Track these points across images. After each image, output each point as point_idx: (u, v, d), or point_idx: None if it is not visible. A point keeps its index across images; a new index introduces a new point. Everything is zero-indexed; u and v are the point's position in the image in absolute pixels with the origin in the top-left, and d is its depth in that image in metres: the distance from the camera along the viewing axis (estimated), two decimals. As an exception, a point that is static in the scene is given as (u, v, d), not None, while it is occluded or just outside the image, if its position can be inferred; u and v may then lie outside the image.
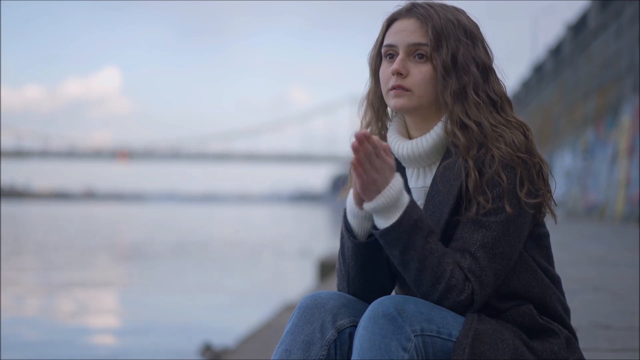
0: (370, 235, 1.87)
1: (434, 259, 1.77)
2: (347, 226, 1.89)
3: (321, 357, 1.80)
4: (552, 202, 1.92)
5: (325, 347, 1.82)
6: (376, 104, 2.02)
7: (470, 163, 1.84)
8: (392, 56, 1.93)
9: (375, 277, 1.92)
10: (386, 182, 1.77)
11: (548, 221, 1.96)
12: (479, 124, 1.87)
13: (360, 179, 1.77)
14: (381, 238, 1.80)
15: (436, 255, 1.78)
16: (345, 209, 1.90)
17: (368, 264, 1.90)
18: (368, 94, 2.04)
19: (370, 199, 1.78)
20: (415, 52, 1.90)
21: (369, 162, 1.75)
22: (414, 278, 1.81)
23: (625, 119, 19.51)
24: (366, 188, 1.77)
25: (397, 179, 1.78)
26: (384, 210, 1.78)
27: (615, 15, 21.63)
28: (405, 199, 1.79)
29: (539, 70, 35.04)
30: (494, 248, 1.81)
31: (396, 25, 1.94)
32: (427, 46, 1.89)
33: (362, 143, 1.74)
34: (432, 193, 1.91)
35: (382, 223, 1.79)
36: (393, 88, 1.91)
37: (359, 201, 1.82)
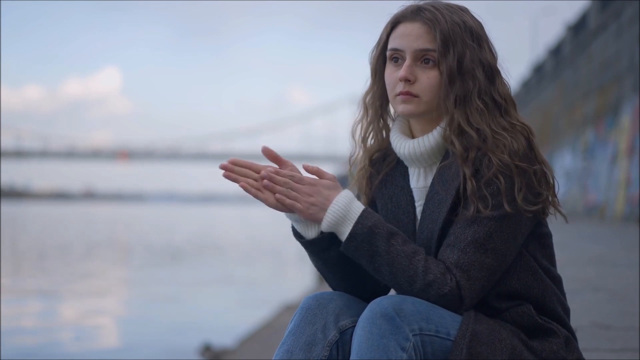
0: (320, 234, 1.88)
1: (402, 260, 1.78)
2: (293, 230, 1.91)
3: (323, 358, 1.81)
4: (558, 204, 1.91)
5: (327, 348, 1.82)
6: (376, 103, 2.02)
7: (467, 171, 1.84)
8: (397, 60, 1.92)
9: (348, 274, 1.93)
10: (327, 200, 1.81)
11: (551, 221, 1.95)
12: (479, 131, 1.86)
13: (293, 207, 1.81)
14: (344, 252, 1.83)
15: (404, 255, 1.78)
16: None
17: (329, 262, 1.91)
18: (367, 94, 2.03)
19: (319, 219, 1.82)
20: (422, 57, 1.89)
21: (292, 191, 1.81)
22: (390, 282, 1.82)
23: (625, 119, 19.51)
24: (307, 212, 1.81)
25: (343, 194, 1.82)
26: (336, 225, 1.81)
27: (615, 15, 21.63)
28: (357, 209, 1.82)
29: (539, 70, 35.04)
30: (485, 243, 1.80)
31: (401, 29, 1.92)
32: (434, 52, 1.87)
33: (272, 180, 1.81)
34: (432, 193, 1.91)
35: (341, 238, 1.82)
36: (400, 94, 1.90)
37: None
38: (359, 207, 1.82)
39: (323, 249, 1.89)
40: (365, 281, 1.94)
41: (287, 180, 1.82)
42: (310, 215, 1.82)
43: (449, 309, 1.80)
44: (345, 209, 1.81)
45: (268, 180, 1.81)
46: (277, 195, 1.81)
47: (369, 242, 1.79)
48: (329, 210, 1.80)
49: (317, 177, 1.84)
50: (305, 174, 1.86)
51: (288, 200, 1.81)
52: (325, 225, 1.81)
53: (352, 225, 1.80)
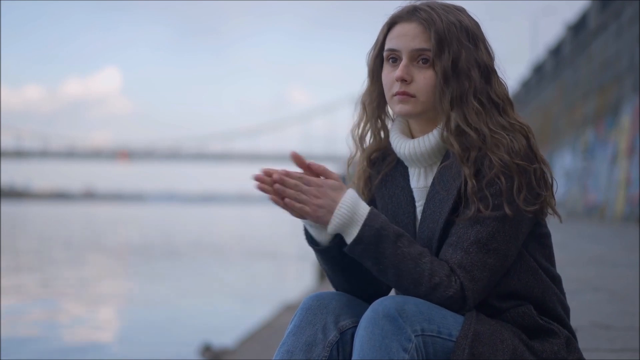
0: (333, 239, 1.87)
1: (409, 263, 1.77)
2: (306, 235, 1.90)
3: (323, 358, 1.81)
4: (554, 203, 1.91)
5: (328, 348, 1.82)
6: (373, 104, 2.02)
7: (466, 170, 1.84)
8: (394, 60, 1.92)
9: (354, 276, 1.93)
10: (334, 202, 1.78)
11: (549, 220, 1.96)
12: (477, 130, 1.86)
13: (302, 212, 1.78)
14: (350, 254, 1.81)
15: (410, 258, 1.78)
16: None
17: (339, 267, 1.91)
18: (364, 94, 2.03)
19: (326, 221, 1.79)
20: (419, 57, 1.89)
21: (302, 194, 1.77)
22: (394, 284, 1.82)
23: (625, 119, 19.52)
24: (316, 216, 1.78)
25: (348, 195, 1.79)
26: (343, 227, 1.79)
27: (615, 15, 21.63)
28: (363, 210, 1.79)
29: (539, 70, 35.05)
30: (488, 243, 1.80)
31: (398, 29, 1.92)
32: (430, 51, 1.88)
33: (283, 183, 1.76)
34: (432, 193, 1.91)
35: (347, 240, 1.80)
36: (397, 94, 1.91)
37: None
38: (365, 208, 1.80)
39: (334, 255, 1.89)
40: (369, 282, 1.94)
41: (297, 182, 1.78)
42: (318, 218, 1.79)
43: (451, 310, 1.80)
44: (351, 210, 1.79)
45: (279, 184, 1.77)
46: (286, 199, 1.77)
47: (375, 244, 1.77)
48: (335, 213, 1.78)
49: (323, 178, 1.81)
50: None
51: (297, 205, 1.77)
52: (332, 228, 1.80)
53: (359, 227, 1.78)
